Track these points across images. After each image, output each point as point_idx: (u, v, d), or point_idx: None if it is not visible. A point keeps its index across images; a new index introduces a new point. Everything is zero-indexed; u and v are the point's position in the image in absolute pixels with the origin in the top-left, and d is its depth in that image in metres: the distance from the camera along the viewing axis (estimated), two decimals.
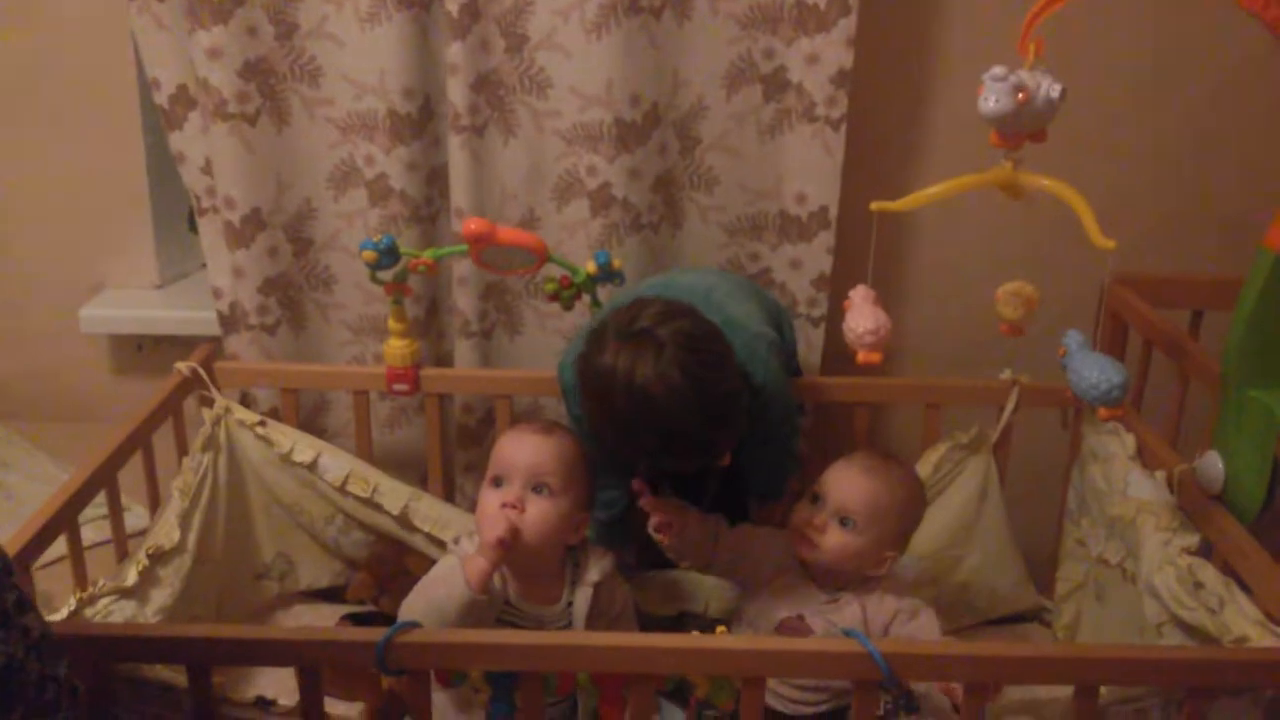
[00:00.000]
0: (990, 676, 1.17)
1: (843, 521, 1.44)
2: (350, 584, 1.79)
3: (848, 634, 1.18)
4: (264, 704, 1.26)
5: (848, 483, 1.46)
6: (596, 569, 1.44)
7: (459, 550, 1.40)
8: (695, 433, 1.34)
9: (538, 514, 1.38)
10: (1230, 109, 1.88)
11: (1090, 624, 1.64)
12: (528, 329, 1.89)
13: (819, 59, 1.71)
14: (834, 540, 1.44)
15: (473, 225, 1.51)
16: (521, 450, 1.40)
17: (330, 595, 1.82)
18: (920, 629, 1.44)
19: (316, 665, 1.19)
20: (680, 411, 1.32)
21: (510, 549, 1.33)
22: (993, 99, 1.22)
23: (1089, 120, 1.87)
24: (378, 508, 1.72)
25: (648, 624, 1.62)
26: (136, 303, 1.99)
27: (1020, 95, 1.21)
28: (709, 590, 1.70)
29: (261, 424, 1.72)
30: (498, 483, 1.40)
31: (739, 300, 1.58)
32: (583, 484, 1.42)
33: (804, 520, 1.45)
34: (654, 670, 1.18)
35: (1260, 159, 1.89)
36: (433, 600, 1.30)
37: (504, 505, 1.37)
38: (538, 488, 1.38)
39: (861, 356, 1.33)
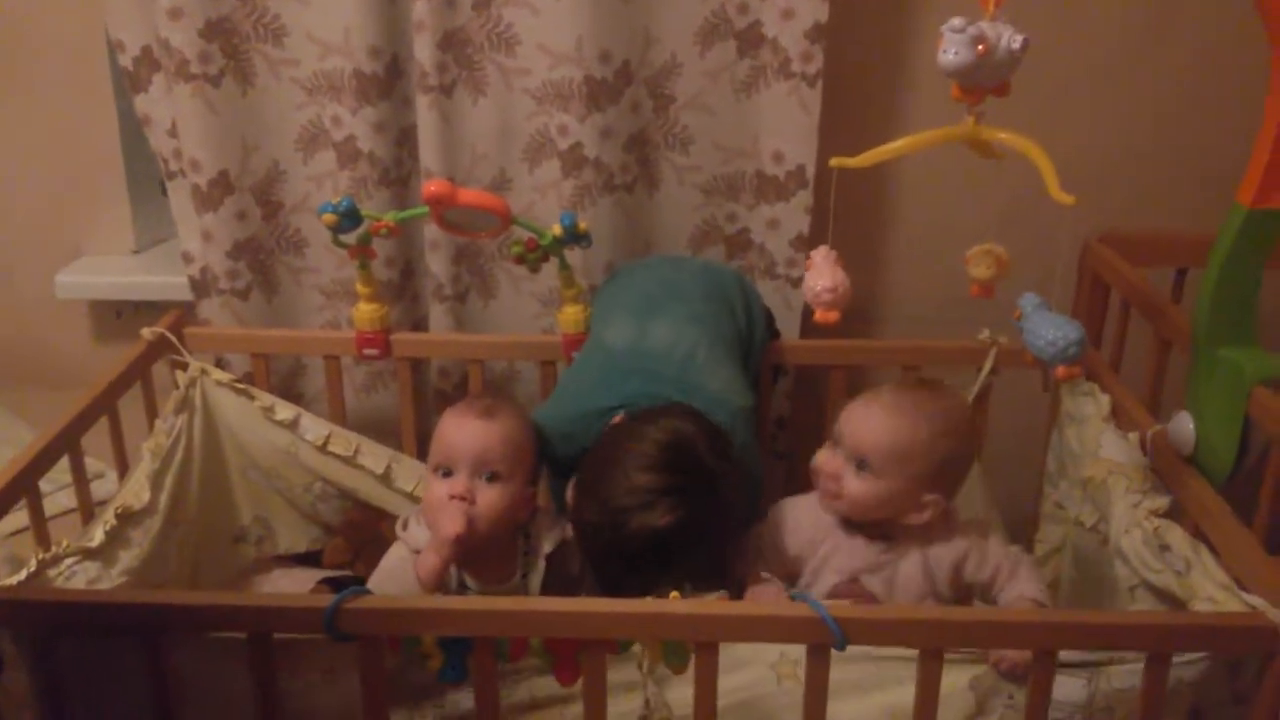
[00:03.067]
0: (946, 641, 1.16)
1: (859, 465, 1.34)
2: (326, 549, 1.79)
3: (797, 598, 1.16)
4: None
5: (862, 421, 1.36)
6: (549, 540, 1.43)
7: (408, 537, 1.39)
8: (687, 561, 1.32)
9: (488, 502, 1.37)
10: (1217, 66, 1.84)
11: (1068, 587, 1.62)
12: (502, 293, 1.87)
13: (794, 13, 1.68)
14: (853, 487, 1.35)
15: (432, 187, 1.49)
16: (466, 437, 1.38)
17: (308, 560, 1.82)
18: (1005, 573, 1.34)
19: (266, 631, 1.19)
20: (657, 556, 1.29)
21: (466, 544, 1.32)
22: (952, 51, 1.18)
23: (1073, 77, 1.83)
24: (359, 468, 1.71)
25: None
26: (113, 269, 1.99)
27: (980, 47, 1.18)
28: None
29: (240, 381, 1.71)
30: (444, 471, 1.38)
31: (719, 360, 1.52)
32: (530, 459, 1.41)
33: (819, 467, 1.38)
34: (605, 635, 1.17)
35: (1247, 116, 1.82)
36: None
37: (453, 497, 1.35)
38: (486, 475, 1.37)
39: (819, 315, 1.30)
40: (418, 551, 1.38)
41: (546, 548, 1.43)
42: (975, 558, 1.33)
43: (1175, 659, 1.16)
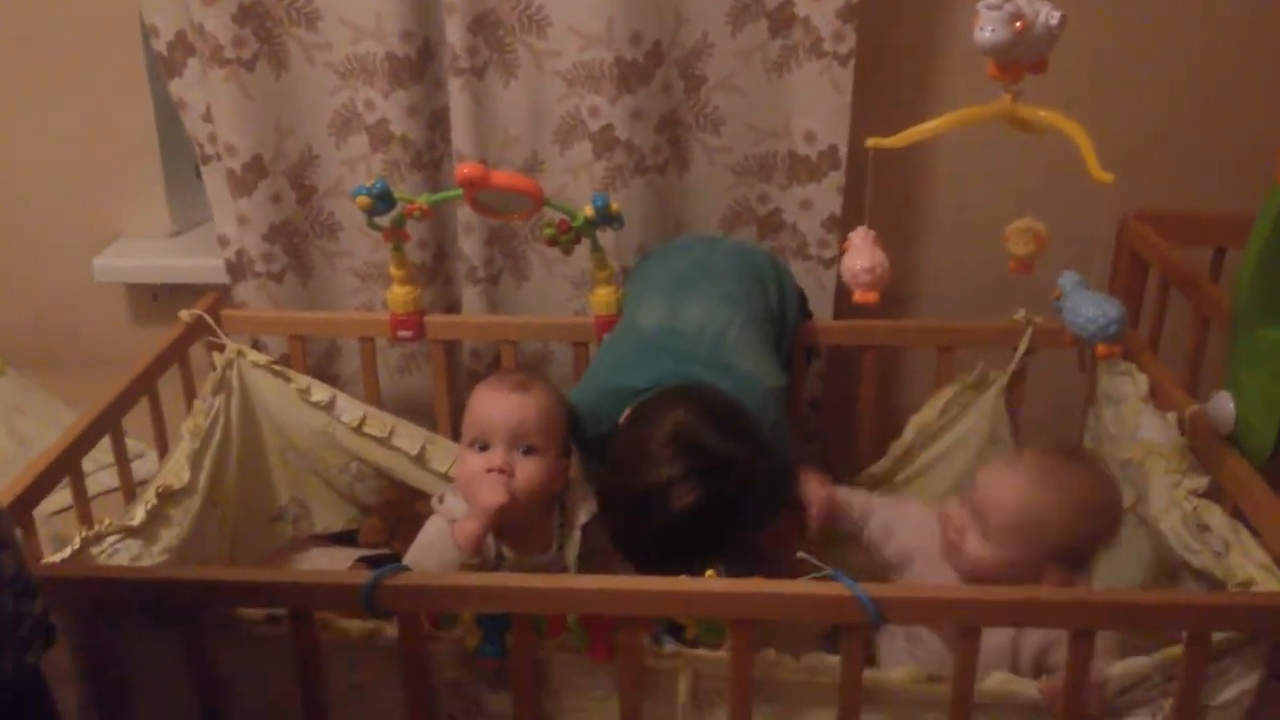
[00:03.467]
0: (981, 620, 1.16)
1: (986, 529, 1.28)
2: (362, 529, 1.81)
3: (834, 577, 1.16)
4: (274, 620, 1.26)
5: (997, 483, 1.29)
6: (584, 510, 1.44)
7: (445, 510, 1.41)
8: (717, 543, 1.31)
9: (526, 475, 1.38)
10: (1256, 41, 1.81)
11: (1103, 568, 1.60)
12: (534, 275, 1.88)
13: None
14: (973, 547, 1.29)
15: (466, 170, 1.50)
16: (502, 411, 1.39)
17: (345, 539, 1.84)
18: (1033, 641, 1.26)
19: (307, 608, 1.20)
20: (683, 533, 1.29)
21: (505, 516, 1.33)
22: (989, 28, 1.17)
23: (1110, 54, 1.81)
24: (394, 449, 1.73)
25: None
26: (150, 252, 2.01)
27: (1018, 24, 1.17)
28: None
29: (276, 363, 1.73)
30: (480, 446, 1.39)
31: (751, 341, 1.51)
32: (563, 432, 1.42)
33: (947, 520, 1.33)
34: (642, 612, 1.18)
35: None
36: (424, 567, 1.31)
37: (491, 470, 1.36)
38: (523, 448, 1.38)
39: (858, 296, 1.30)
40: (455, 522, 1.39)
41: (582, 518, 1.44)
42: (1064, 649, 1.21)
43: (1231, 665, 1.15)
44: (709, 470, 1.29)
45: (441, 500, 1.44)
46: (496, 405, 1.40)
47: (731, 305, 1.54)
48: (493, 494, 1.34)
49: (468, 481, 1.39)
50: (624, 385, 1.45)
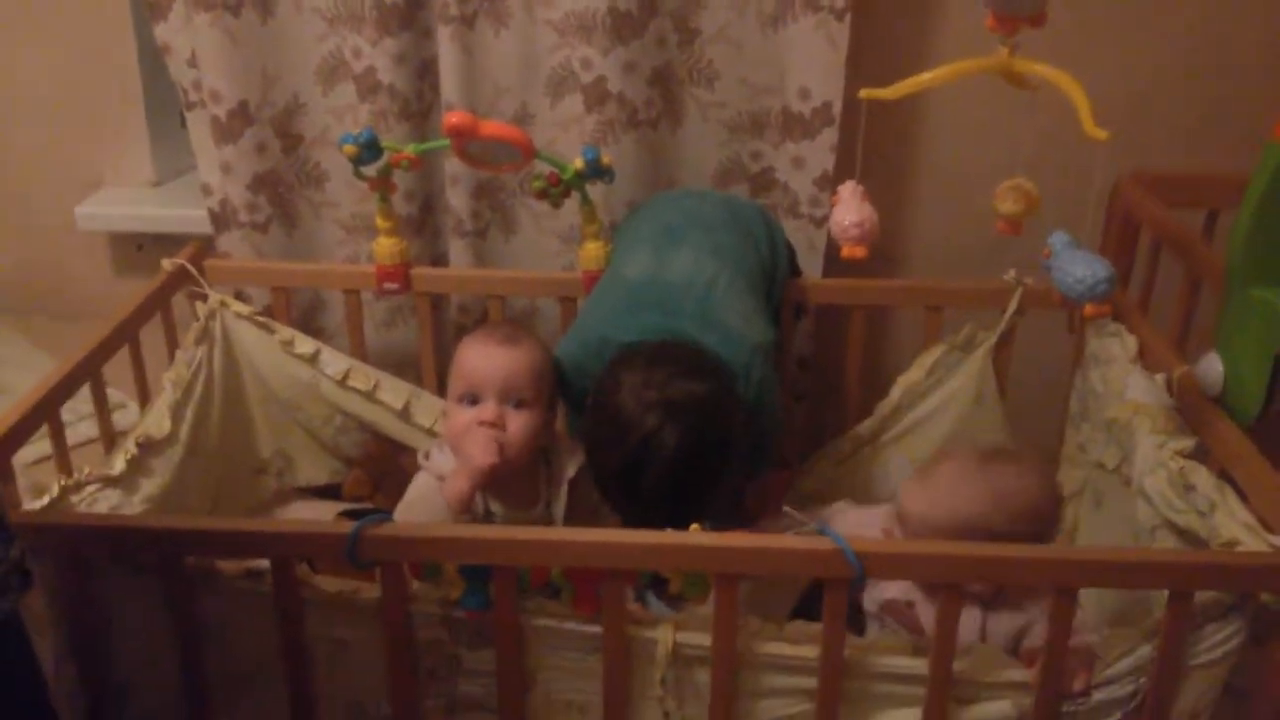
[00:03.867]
0: (965, 577, 1.16)
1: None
2: (345, 481, 1.80)
3: (821, 531, 1.16)
4: (253, 575, 1.26)
5: (917, 496, 1.30)
6: (571, 464, 1.43)
7: (432, 466, 1.39)
8: (664, 503, 1.31)
9: (517, 429, 1.37)
10: (1251, 2, 1.78)
11: (1087, 529, 1.61)
12: (523, 229, 1.86)
13: None
14: None
15: (454, 119, 1.47)
16: (493, 364, 1.37)
17: (328, 492, 1.83)
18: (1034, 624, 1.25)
19: (289, 558, 1.19)
20: (661, 483, 1.29)
21: (497, 472, 1.32)
22: None
23: (1106, 13, 1.78)
24: (379, 403, 1.72)
25: None
26: (134, 200, 1.98)
27: None
28: None
29: (260, 314, 1.71)
30: (470, 399, 1.37)
31: (740, 293, 1.50)
32: (551, 384, 1.41)
33: (888, 535, 1.33)
34: (626, 565, 1.17)
35: None
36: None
37: (482, 423, 1.35)
38: (514, 401, 1.37)
39: (845, 251, 1.28)
40: (442, 479, 1.38)
41: (570, 472, 1.43)
42: (1039, 630, 1.24)
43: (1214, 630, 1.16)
44: (686, 414, 1.28)
45: (428, 456, 1.43)
46: (487, 358, 1.38)
47: (720, 257, 1.52)
48: (485, 453, 1.33)
49: (458, 436, 1.38)
50: (610, 338, 1.43)
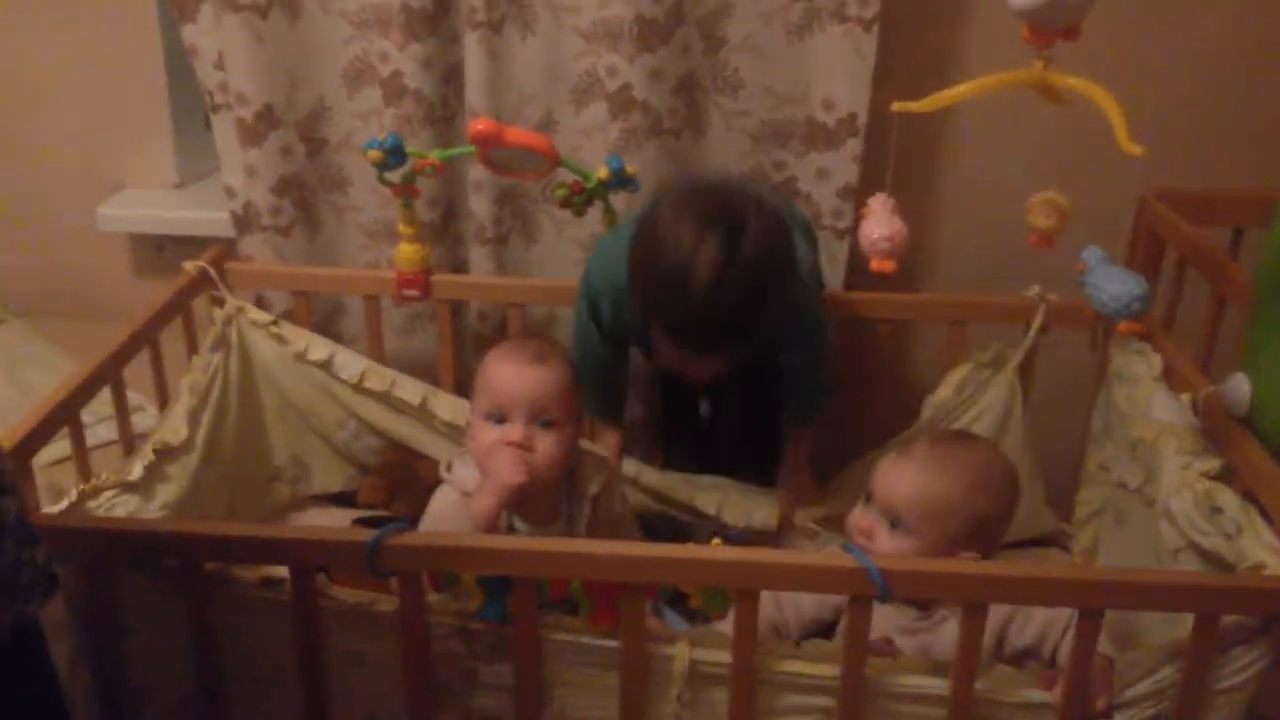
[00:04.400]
0: (988, 597, 1.14)
1: (893, 523, 1.29)
2: (361, 489, 1.79)
3: (845, 549, 1.15)
4: (271, 584, 1.25)
5: (892, 476, 1.31)
6: (595, 481, 1.42)
7: (455, 480, 1.38)
8: (712, 327, 1.30)
9: (546, 450, 1.35)
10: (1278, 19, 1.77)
11: (1108, 549, 1.60)
12: (544, 237, 1.85)
13: None
14: (885, 547, 1.28)
15: (479, 125, 1.47)
16: (521, 384, 1.34)
17: (343, 500, 1.82)
18: (1059, 630, 1.24)
19: (309, 565, 1.19)
20: (712, 300, 1.28)
21: (525, 492, 1.32)
22: None
23: (1131, 30, 1.77)
24: (394, 403, 1.71)
25: (655, 523, 1.62)
26: (155, 202, 1.98)
27: None
28: (725, 494, 1.68)
29: (275, 324, 1.71)
30: (497, 418, 1.35)
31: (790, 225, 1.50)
32: (577, 402, 1.39)
33: (853, 525, 1.33)
34: (646, 579, 1.16)
35: None
36: None
37: (511, 444, 1.33)
38: (542, 421, 1.35)
39: (875, 264, 1.27)
40: (467, 494, 1.37)
41: (592, 490, 1.42)
42: (1019, 620, 1.25)
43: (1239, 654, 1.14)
44: (728, 231, 1.29)
45: (450, 469, 1.41)
46: (517, 377, 1.35)
47: None
48: (514, 472, 1.31)
49: (485, 453, 1.35)
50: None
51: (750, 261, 1.29)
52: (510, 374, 1.36)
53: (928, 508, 1.28)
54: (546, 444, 1.34)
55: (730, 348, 1.35)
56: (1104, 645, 1.18)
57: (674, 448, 1.80)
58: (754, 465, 1.72)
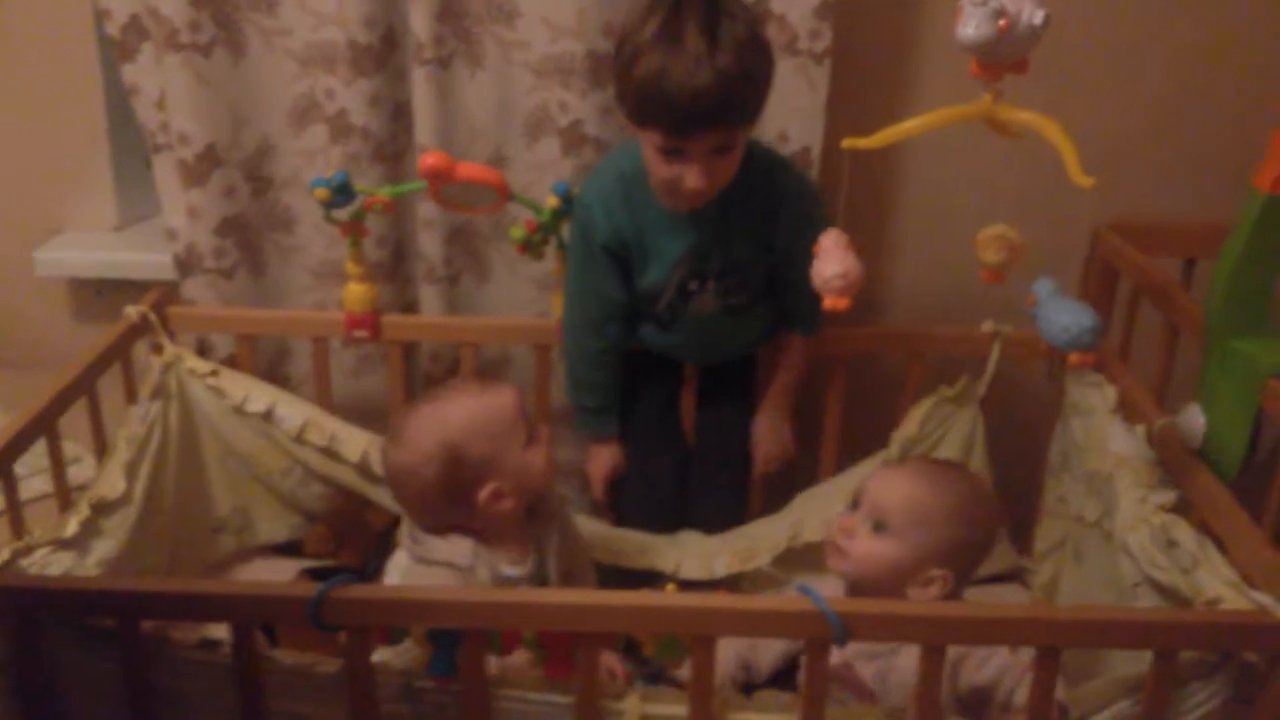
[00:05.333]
0: (946, 638, 1.12)
1: (876, 526, 1.30)
2: (307, 538, 1.75)
3: (800, 590, 1.12)
4: (209, 645, 1.21)
5: (885, 480, 1.33)
6: (555, 504, 1.43)
7: (430, 552, 1.35)
8: (706, 92, 1.30)
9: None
10: (1228, 51, 1.79)
11: (1069, 584, 1.59)
12: (497, 275, 1.83)
13: None
14: (863, 547, 1.30)
15: (430, 160, 1.45)
16: (518, 402, 1.37)
17: (290, 550, 1.78)
18: (1014, 678, 1.23)
19: (250, 621, 1.15)
20: (703, 64, 1.29)
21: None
22: (972, 25, 1.14)
23: (1084, 62, 1.79)
24: (336, 457, 1.67)
25: (614, 579, 1.59)
26: (95, 245, 1.93)
27: (1001, 22, 1.14)
28: (682, 548, 1.66)
29: (213, 374, 1.66)
30: (532, 438, 1.37)
31: None
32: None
33: (834, 525, 1.34)
34: (600, 628, 1.13)
35: (1259, 103, 1.80)
36: None
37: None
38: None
39: (829, 302, 1.26)
40: (451, 564, 1.34)
41: (554, 512, 1.44)
42: (977, 657, 1.24)
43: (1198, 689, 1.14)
44: (732, 21, 1.32)
45: (419, 542, 1.37)
46: (515, 397, 1.37)
47: None
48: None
49: (546, 476, 1.38)
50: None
51: (733, 28, 1.31)
52: (510, 394, 1.37)
53: (914, 515, 1.29)
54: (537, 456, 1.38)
55: (723, 116, 1.34)
56: (1059, 690, 1.17)
57: (646, 502, 1.75)
58: (725, 516, 1.71)
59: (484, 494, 1.32)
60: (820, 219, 1.49)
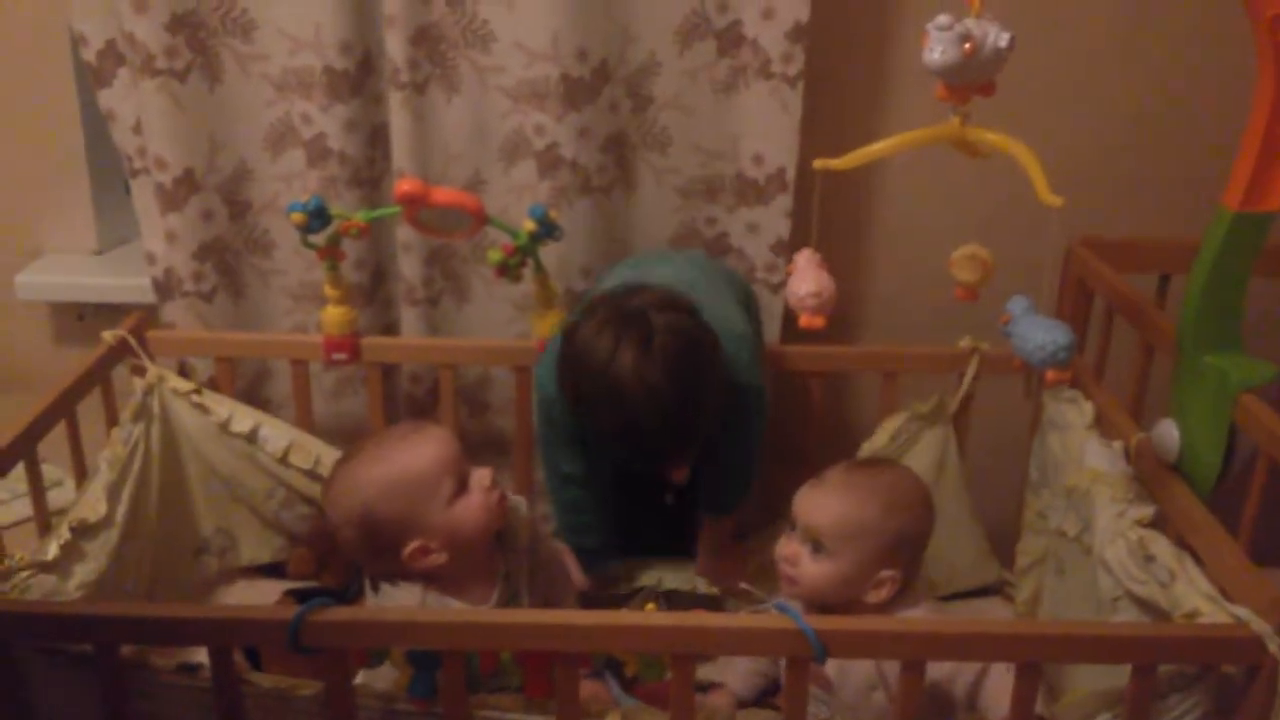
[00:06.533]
0: (925, 654, 1.13)
1: (815, 548, 1.34)
2: (290, 560, 1.74)
3: (779, 608, 1.13)
4: (188, 669, 1.21)
5: (810, 502, 1.36)
6: (523, 533, 1.42)
7: (385, 597, 1.35)
8: (658, 435, 1.31)
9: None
10: (1200, 68, 1.82)
11: (1050, 598, 1.60)
12: (476, 297, 1.83)
13: (774, 13, 1.65)
14: (809, 570, 1.34)
15: (405, 186, 1.45)
16: (448, 446, 1.36)
17: (273, 571, 1.77)
18: (970, 672, 1.29)
19: (228, 645, 1.14)
20: (650, 411, 1.29)
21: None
22: (938, 50, 1.16)
23: (1056, 81, 1.81)
24: (320, 479, 1.67)
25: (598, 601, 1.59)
26: (75, 269, 1.93)
27: (967, 45, 1.15)
28: (664, 567, 1.67)
29: (197, 392, 1.66)
30: (460, 484, 1.35)
31: (723, 298, 1.53)
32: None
33: (779, 554, 1.37)
34: (579, 648, 1.13)
35: (1231, 119, 1.82)
36: None
37: (491, 489, 1.35)
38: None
39: (804, 321, 1.27)
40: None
41: (523, 541, 1.42)
42: (958, 682, 1.29)
43: (1177, 702, 1.14)
44: (688, 365, 1.31)
45: (379, 592, 1.37)
46: (439, 445, 1.35)
47: (702, 272, 1.58)
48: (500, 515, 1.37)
49: (486, 519, 1.35)
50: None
51: (668, 358, 1.30)
52: (434, 446, 1.35)
53: (845, 530, 1.32)
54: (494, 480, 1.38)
55: (686, 447, 1.35)
56: (1039, 704, 1.17)
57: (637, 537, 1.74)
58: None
59: (407, 551, 1.32)
60: (760, 418, 1.52)
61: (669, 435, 1.32)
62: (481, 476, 1.35)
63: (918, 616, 1.33)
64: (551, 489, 1.62)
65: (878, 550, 1.33)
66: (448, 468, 1.33)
